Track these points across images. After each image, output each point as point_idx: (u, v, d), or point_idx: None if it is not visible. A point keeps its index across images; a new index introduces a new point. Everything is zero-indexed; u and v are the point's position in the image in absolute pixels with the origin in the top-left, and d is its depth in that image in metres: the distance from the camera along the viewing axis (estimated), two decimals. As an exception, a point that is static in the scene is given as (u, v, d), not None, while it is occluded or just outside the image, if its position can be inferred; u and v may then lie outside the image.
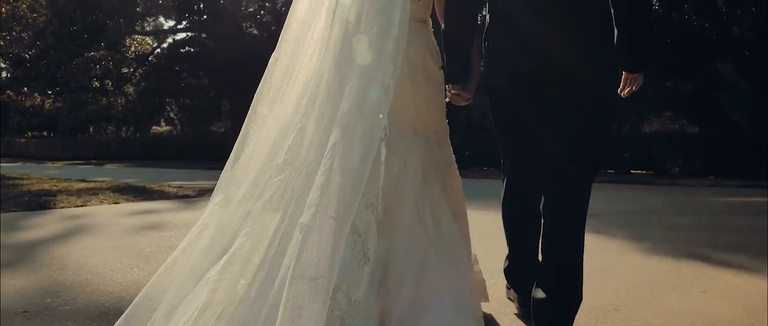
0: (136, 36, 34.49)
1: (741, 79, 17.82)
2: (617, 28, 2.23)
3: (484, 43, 2.41)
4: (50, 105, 36.55)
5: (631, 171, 16.20)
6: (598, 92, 2.24)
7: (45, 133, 45.37)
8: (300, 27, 2.40)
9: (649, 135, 19.29)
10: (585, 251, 2.29)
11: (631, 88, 2.41)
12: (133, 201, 7.67)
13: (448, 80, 2.45)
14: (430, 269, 2.18)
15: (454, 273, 2.23)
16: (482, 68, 2.47)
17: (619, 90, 2.39)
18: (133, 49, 35.24)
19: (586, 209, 2.30)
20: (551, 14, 2.21)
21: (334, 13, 2.25)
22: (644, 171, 16.13)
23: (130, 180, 11.81)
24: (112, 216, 6.34)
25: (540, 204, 2.34)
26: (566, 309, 2.24)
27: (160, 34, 34.84)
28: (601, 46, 2.24)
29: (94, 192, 8.57)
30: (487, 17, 2.40)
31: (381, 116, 2.00)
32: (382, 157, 2.08)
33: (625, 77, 2.40)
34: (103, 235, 5.16)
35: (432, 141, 2.44)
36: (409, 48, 2.23)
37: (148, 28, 36.07)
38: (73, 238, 5.03)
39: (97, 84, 33.29)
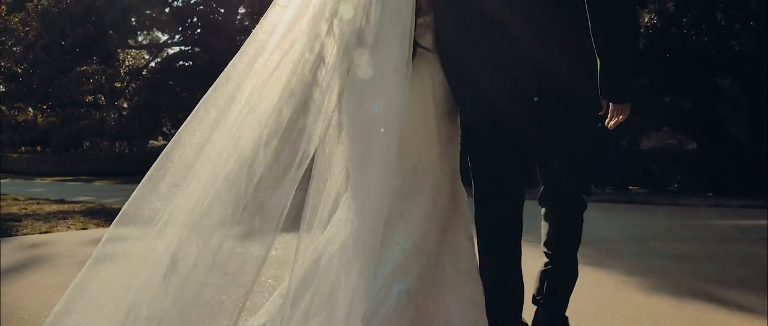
0: (130, 50, 34.22)
1: (740, 93, 17.59)
2: (600, 59, 2.20)
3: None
4: (43, 119, 36.20)
5: (629, 187, 15.84)
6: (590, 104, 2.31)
7: (38, 148, 44.93)
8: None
9: (647, 151, 19.04)
10: (579, 288, 2.31)
11: (618, 119, 2.36)
12: (103, 226, 7.23)
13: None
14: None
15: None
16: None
17: (606, 122, 2.37)
18: (126, 63, 34.92)
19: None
20: (540, 23, 2.19)
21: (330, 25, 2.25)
22: (642, 188, 15.82)
23: (111, 200, 11.40)
24: (73, 246, 5.93)
25: (518, 232, 2.41)
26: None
27: (153, 47, 34.53)
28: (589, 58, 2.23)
29: (64, 215, 8.16)
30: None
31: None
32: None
33: (611, 108, 2.36)
34: (56, 269, 4.75)
35: (454, 178, 2.43)
36: (430, 80, 2.29)
37: (144, 42, 35.75)
38: (21, 273, 4.62)
39: (90, 98, 33.02)
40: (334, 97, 2.26)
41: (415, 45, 2.25)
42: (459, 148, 2.47)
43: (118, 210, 2.23)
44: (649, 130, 20.98)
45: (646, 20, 15.93)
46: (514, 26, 2.22)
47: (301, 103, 2.23)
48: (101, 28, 24.83)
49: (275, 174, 2.13)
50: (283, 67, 2.27)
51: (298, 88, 2.24)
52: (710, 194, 15.14)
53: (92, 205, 9.88)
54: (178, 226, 2.13)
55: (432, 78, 2.35)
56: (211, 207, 2.13)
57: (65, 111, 32.30)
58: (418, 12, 2.26)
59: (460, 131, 2.45)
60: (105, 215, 8.19)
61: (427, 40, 2.34)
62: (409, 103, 2.20)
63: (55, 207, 9.42)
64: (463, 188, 2.49)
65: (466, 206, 2.49)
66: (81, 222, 7.57)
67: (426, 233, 2.30)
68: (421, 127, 2.33)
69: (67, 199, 11.91)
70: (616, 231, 6.98)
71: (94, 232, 6.84)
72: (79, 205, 10.07)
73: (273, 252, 2.06)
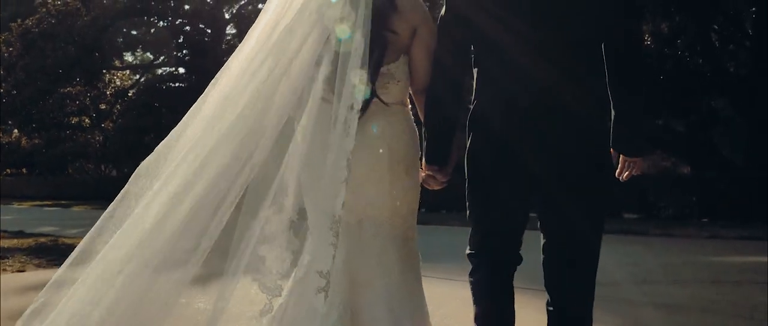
0: (117, 71, 33.70)
1: (736, 115, 17.29)
2: (615, 111, 2.21)
3: (472, 103, 2.29)
4: (26, 142, 35.64)
5: (624, 214, 15.35)
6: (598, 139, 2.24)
7: (23, 171, 44.26)
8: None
9: (641, 176, 18.77)
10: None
11: (631, 172, 2.34)
12: (45, 267, 6.58)
13: (429, 160, 2.31)
14: None
15: None
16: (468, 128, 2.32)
17: (617, 173, 2.34)
18: (113, 84, 34.37)
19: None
20: (546, 63, 2.14)
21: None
22: (636, 215, 15.39)
23: (76, 231, 10.74)
24: (-2, 294, 5.29)
25: (513, 274, 2.33)
26: None
27: (139, 69, 34.09)
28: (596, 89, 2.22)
29: (5, 254, 7.47)
30: (475, 81, 2.31)
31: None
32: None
33: (623, 160, 2.33)
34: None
35: (406, 237, 2.31)
36: (389, 132, 2.24)
37: (135, 62, 35.30)
38: None
39: (75, 120, 32.48)
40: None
41: (373, 94, 2.18)
42: (416, 206, 2.36)
43: (71, 246, 2.23)
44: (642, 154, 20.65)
45: None
46: (529, 63, 2.17)
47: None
48: (83, 48, 24.30)
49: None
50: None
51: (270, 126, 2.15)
52: (706, 220, 14.84)
53: (45, 240, 9.22)
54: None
55: (390, 127, 2.26)
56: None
57: (49, 133, 31.76)
58: (380, 60, 2.18)
59: (418, 187, 2.35)
60: (55, 253, 7.54)
61: (392, 92, 2.26)
62: (359, 154, 2.13)
63: (4, 243, 8.73)
64: (417, 252, 2.34)
65: (418, 275, 2.34)
66: (21, 262, 6.92)
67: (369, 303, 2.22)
68: (373, 180, 2.24)
69: (26, 231, 11.23)
70: (608, 272, 6.37)
71: (32, 276, 6.19)
72: (31, 240, 9.39)
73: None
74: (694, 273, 6.57)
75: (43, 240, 9.32)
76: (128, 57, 35.65)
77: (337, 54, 2.12)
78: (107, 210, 2.17)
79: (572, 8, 2.15)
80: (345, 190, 2.03)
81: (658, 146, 18.60)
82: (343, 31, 2.12)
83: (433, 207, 14.98)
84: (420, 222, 2.44)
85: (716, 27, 15.56)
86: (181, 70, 30.07)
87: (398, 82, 2.29)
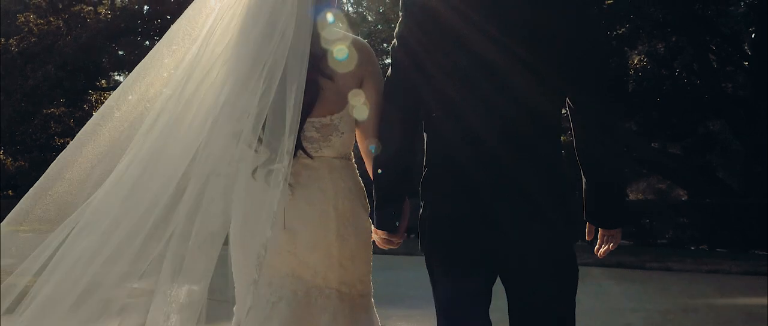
0: (104, 92, 33.34)
1: (734, 139, 17.06)
2: (588, 180, 2.04)
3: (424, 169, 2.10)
4: (11, 163, 35.35)
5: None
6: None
7: (10, 192, 43.93)
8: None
9: (636, 202, 18.76)
10: None
11: (609, 246, 2.11)
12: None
13: (378, 226, 2.15)
14: None
15: None
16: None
17: (595, 250, 2.13)
18: (100, 105, 34.01)
19: None
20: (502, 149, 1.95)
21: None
22: (630, 242, 14.98)
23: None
24: None
25: None
26: None
27: (123, 89, 33.70)
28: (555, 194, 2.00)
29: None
30: (426, 145, 2.11)
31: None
32: None
33: (601, 234, 2.10)
34: None
35: (357, 305, 2.15)
36: (332, 190, 2.12)
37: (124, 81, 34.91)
38: None
39: (60, 141, 32.16)
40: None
41: (299, 146, 2.05)
42: (369, 266, 2.22)
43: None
44: (638, 179, 20.43)
45: (635, 62, 15.46)
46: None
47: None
48: (65, 69, 23.94)
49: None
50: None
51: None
52: (704, 247, 14.51)
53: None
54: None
55: (334, 184, 2.13)
56: None
57: (32, 155, 31.52)
58: (309, 109, 2.06)
59: (370, 246, 2.21)
60: None
61: (334, 145, 2.13)
62: (301, 216, 2.06)
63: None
64: (375, 318, 2.20)
65: None
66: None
67: None
68: (319, 247, 2.10)
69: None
70: (600, 319, 5.79)
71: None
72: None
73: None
74: (697, 320, 6.13)
75: None
76: (120, 77, 35.41)
77: (267, 101, 1.99)
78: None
79: (537, 74, 1.96)
80: (266, 253, 1.89)
81: (654, 170, 18.35)
82: (273, 75, 2.00)
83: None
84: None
85: (714, 47, 15.23)
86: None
87: (342, 134, 2.15)
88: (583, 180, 2.05)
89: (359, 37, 2.27)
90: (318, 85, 2.08)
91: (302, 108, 2.00)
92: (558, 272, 2.00)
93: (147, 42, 28.36)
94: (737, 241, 13.63)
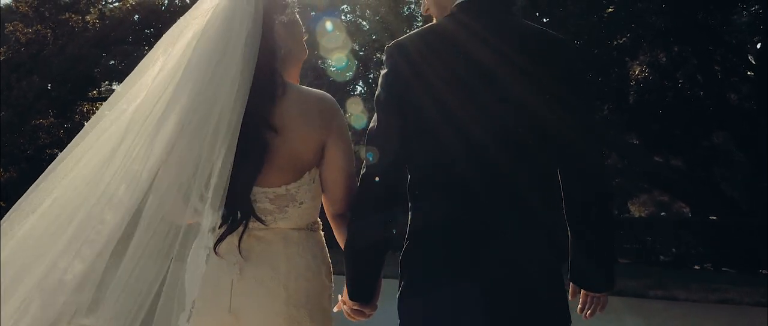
0: (94, 102, 33.03)
1: (738, 152, 16.58)
2: (577, 243, 1.98)
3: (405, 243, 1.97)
4: (2, 173, 35.17)
5: (619, 259, 14.53)
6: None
7: (2, 203, 43.70)
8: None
9: (638, 220, 18.44)
10: None
11: (595, 310, 2.04)
12: None
13: (351, 296, 2.02)
14: None
15: None
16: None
17: (579, 309, 2.05)
18: (90, 115, 33.75)
19: None
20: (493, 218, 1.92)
21: None
22: (630, 260, 14.66)
23: None
24: None
25: None
26: None
27: (114, 100, 33.45)
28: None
29: None
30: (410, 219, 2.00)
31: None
32: None
33: (588, 297, 2.03)
34: None
35: None
36: (286, 268, 1.92)
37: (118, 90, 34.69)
38: None
39: (49, 152, 31.94)
40: None
41: (245, 216, 1.86)
42: None
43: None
44: (639, 193, 19.98)
45: (636, 72, 14.98)
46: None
47: None
48: (51, 78, 23.62)
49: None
50: None
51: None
52: (708, 266, 14.04)
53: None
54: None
55: (288, 262, 1.91)
56: None
57: (21, 166, 31.30)
58: (254, 175, 1.86)
59: None
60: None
61: (291, 216, 1.92)
62: (251, 294, 1.87)
63: None
64: None
65: None
66: None
67: None
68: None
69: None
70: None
71: None
72: None
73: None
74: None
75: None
76: (112, 87, 35.16)
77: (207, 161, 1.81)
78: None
79: (526, 148, 1.96)
80: None
81: (656, 184, 17.89)
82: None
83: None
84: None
85: (718, 58, 14.75)
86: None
87: (301, 204, 1.97)
88: (570, 239, 1.99)
89: (325, 93, 2.04)
90: (266, 147, 1.86)
91: (248, 173, 1.83)
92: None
93: (136, 54, 28.01)
94: (743, 261, 13.33)
